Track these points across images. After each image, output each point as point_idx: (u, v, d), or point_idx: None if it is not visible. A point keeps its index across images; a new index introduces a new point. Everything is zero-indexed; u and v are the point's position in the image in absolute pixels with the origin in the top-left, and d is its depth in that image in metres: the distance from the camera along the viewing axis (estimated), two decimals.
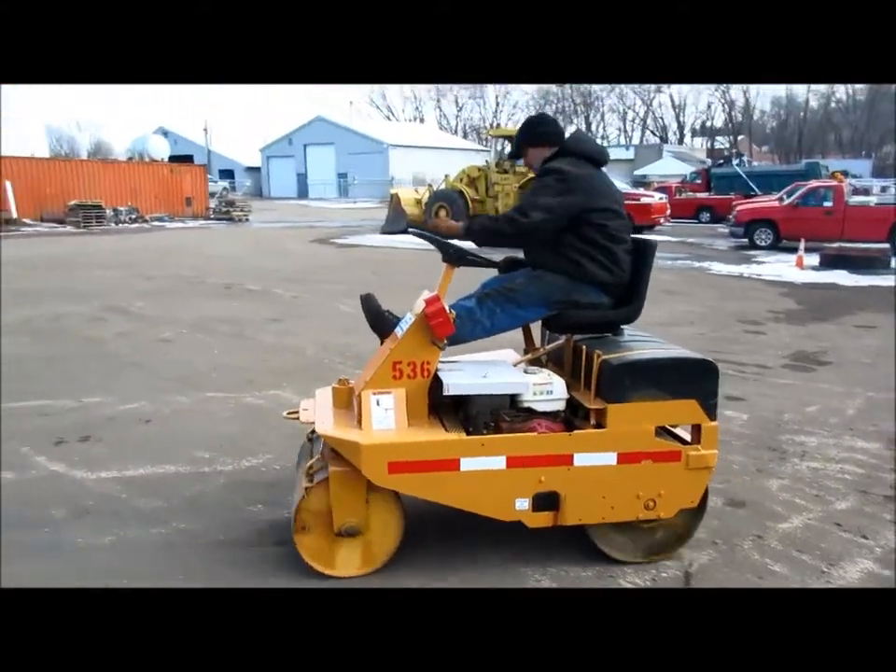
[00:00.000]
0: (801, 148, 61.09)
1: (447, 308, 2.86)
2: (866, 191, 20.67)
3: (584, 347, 3.02)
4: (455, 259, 2.99)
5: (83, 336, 7.13)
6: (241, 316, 8.07)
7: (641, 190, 24.12)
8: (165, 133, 46.58)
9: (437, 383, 2.91)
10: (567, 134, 3.26)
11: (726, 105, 67.70)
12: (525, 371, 3.07)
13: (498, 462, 2.78)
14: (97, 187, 26.11)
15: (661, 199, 21.41)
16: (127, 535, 3.21)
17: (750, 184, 26.21)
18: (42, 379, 5.57)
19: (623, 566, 2.97)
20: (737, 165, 29.13)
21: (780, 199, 17.70)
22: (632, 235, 3.18)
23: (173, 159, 32.02)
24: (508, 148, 19.70)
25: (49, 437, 4.34)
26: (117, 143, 55.08)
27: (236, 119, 52.97)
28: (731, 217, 18.43)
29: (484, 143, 63.03)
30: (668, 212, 21.58)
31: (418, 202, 19.74)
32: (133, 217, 25.50)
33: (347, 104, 59.86)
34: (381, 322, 3.09)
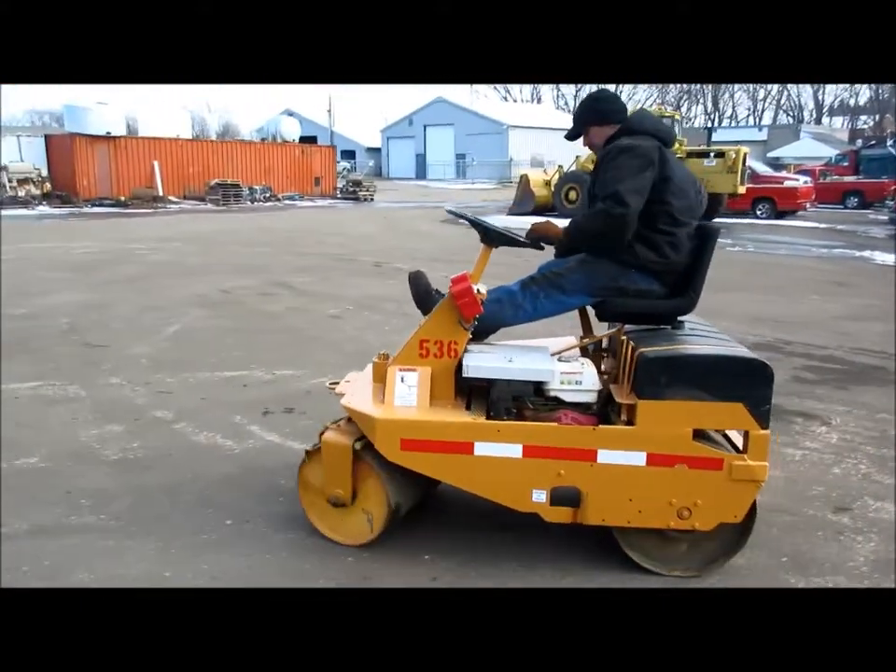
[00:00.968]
0: None
1: (476, 289, 2.77)
2: None
3: (629, 339, 2.81)
4: (492, 240, 2.90)
5: (258, 310, 7.44)
6: (400, 295, 8.16)
7: (784, 173, 22.82)
8: (290, 115, 48.21)
9: None
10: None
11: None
12: (560, 360, 2.90)
13: (514, 450, 2.66)
14: (234, 166, 27.38)
15: (806, 182, 20.23)
16: None
17: None
18: (231, 350, 5.83)
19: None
20: (892, 146, 27.01)
21: None
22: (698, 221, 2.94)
23: (300, 140, 33.06)
24: None
25: (256, 407, 4.51)
26: (243, 125, 57.60)
27: (358, 100, 53.98)
28: (891, 201, 17.12)
29: None
30: (814, 196, 20.36)
31: (547, 183, 19.26)
32: (267, 195, 26.62)
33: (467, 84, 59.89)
34: (427, 300, 3.05)
